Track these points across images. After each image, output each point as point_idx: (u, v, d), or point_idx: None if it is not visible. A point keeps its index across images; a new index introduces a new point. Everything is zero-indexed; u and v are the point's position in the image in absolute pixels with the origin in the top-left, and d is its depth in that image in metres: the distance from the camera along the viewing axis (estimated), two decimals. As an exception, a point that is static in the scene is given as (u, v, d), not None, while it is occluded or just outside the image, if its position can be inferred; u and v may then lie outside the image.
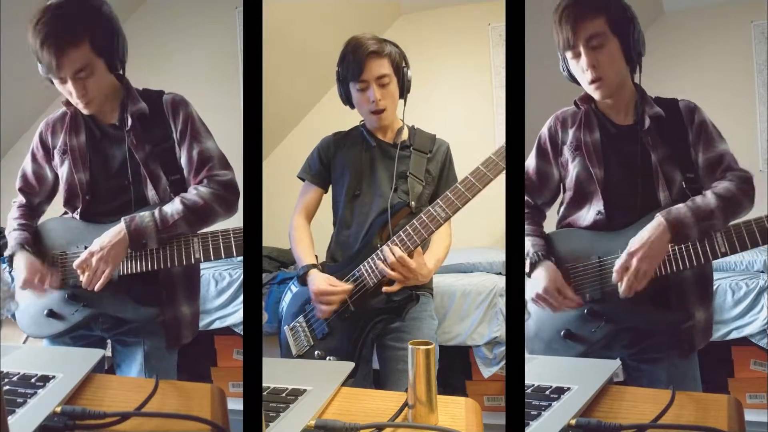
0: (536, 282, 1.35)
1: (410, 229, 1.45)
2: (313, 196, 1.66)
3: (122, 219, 1.35)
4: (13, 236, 1.45)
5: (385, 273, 1.45)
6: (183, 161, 1.41)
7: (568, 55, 1.32)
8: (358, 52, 1.53)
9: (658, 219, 1.25)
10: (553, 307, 1.35)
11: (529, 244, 1.40)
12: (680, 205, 1.26)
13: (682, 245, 1.26)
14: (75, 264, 1.36)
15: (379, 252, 1.48)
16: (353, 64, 1.53)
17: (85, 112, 1.41)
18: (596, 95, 1.34)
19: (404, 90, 1.58)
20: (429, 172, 1.59)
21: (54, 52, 1.28)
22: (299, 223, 1.64)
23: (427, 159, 1.60)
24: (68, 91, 1.36)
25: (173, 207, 1.36)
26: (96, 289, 1.35)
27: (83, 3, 1.34)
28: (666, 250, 1.25)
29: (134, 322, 1.40)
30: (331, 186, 1.67)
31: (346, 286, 1.50)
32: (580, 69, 1.32)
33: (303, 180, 1.67)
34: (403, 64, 1.57)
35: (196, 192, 1.38)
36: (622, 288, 1.27)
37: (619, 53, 1.30)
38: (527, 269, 1.37)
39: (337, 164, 1.63)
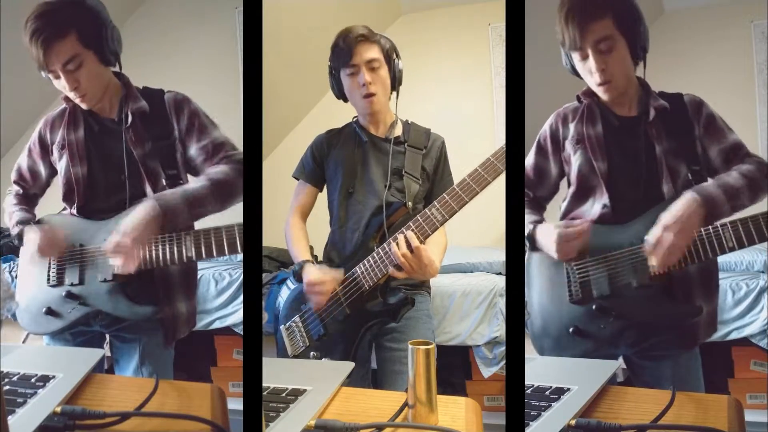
0: (546, 236, 1.36)
1: (406, 232, 1.44)
2: (307, 195, 1.66)
3: (150, 197, 1.33)
4: (17, 216, 1.47)
5: (397, 259, 1.42)
6: (193, 154, 1.41)
7: (575, 56, 1.31)
8: (348, 39, 1.54)
9: (691, 194, 1.23)
10: (577, 239, 1.33)
11: (527, 221, 1.41)
12: (708, 183, 1.26)
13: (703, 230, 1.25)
14: (108, 248, 1.32)
15: (390, 240, 1.45)
16: (343, 50, 1.54)
17: (83, 106, 1.41)
18: (605, 96, 1.34)
19: (396, 81, 1.58)
20: (424, 168, 1.58)
21: (41, 46, 1.30)
22: (294, 222, 1.64)
23: (422, 155, 1.58)
24: (63, 85, 1.37)
25: (199, 183, 1.35)
26: (132, 271, 1.32)
27: None
28: (699, 226, 1.23)
29: (130, 320, 1.40)
30: (326, 184, 1.66)
31: (337, 274, 1.49)
32: (588, 70, 1.31)
33: (298, 179, 1.67)
34: (394, 56, 1.58)
35: (217, 169, 1.37)
36: (656, 262, 1.25)
37: (627, 53, 1.30)
38: (527, 244, 1.38)
39: (330, 162, 1.63)
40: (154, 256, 1.34)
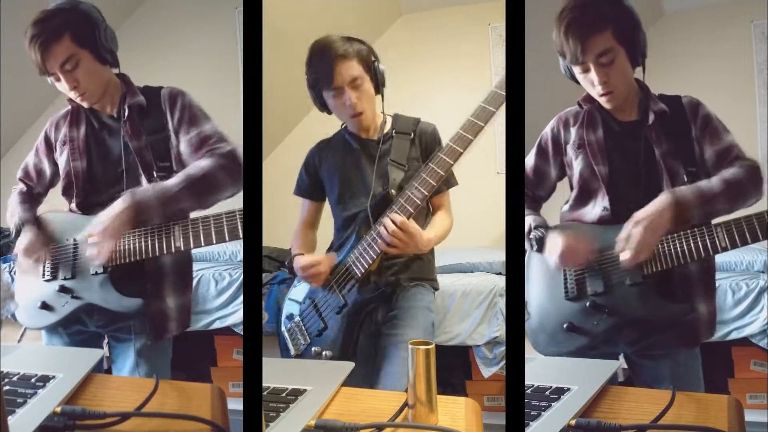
0: (555, 245, 1.36)
1: (390, 214, 1.43)
2: (309, 209, 1.68)
3: (127, 191, 1.35)
4: (18, 213, 1.49)
5: (387, 240, 1.42)
6: (183, 148, 1.42)
7: (576, 69, 1.32)
8: (325, 58, 1.49)
9: (664, 194, 1.26)
10: (579, 262, 1.35)
11: (530, 219, 1.42)
12: (686, 186, 1.28)
13: (682, 233, 1.26)
14: (80, 237, 1.38)
15: (376, 226, 1.45)
16: (322, 71, 1.50)
17: (84, 105, 1.44)
18: (607, 106, 1.35)
19: (379, 85, 1.55)
20: (414, 157, 1.55)
21: (39, 50, 1.35)
22: (299, 232, 1.67)
23: (410, 141, 1.56)
24: (64, 87, 1.40)
25: (174, 179, 1.36)
26: (97, 263, 1.37)
27: (62, 5, 1.40)
28: (668, 226, 1.25)
29: (119, 313, 1.40)
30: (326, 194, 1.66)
31: (328, 256, 1.52)
32: (589, 82, 1.32)
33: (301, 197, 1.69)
34: (373, 59, 1.54)
35: (195, 164, 1.38)
36: (626, 257, 1.27)
37: (627, 62, 1.31)
38: (534, 246, 1.38)
39: (324, 173, 1.63)
40: (149, 246, 1.35)
